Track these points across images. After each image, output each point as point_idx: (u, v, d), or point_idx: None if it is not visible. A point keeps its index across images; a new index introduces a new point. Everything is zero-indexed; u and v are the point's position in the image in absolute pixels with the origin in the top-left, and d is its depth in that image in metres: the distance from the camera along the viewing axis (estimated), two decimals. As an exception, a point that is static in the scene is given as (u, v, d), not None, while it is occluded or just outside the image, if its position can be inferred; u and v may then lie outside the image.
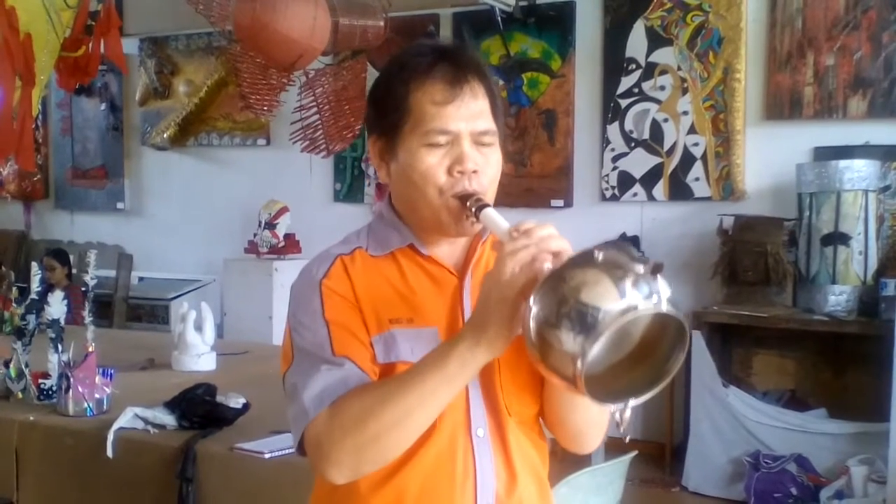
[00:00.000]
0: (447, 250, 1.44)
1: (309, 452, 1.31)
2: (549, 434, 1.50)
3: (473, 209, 1.33)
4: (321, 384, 1.30)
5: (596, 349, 1.09)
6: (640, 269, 1.11)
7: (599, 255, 1.12)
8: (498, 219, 1.30)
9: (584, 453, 1.52)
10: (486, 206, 1.33)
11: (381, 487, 1.34)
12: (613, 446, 2.03)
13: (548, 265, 1.18)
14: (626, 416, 1.17)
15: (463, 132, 1.36)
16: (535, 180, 5.89)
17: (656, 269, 1.11)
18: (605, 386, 1.15)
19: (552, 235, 1.21)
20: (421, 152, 1.36)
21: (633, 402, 1.17)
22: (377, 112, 1.43)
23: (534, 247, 1.19)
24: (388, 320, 1.37)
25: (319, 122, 5.52)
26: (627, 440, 1.21)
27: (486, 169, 1.38)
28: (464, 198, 1.35)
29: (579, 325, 1.09)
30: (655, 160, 5.57)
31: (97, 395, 2.87)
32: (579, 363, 1.09)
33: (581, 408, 1.40)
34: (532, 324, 1.14)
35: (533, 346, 1.15)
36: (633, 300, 1.09)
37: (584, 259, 1.14)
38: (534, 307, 1.14)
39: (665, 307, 1.11)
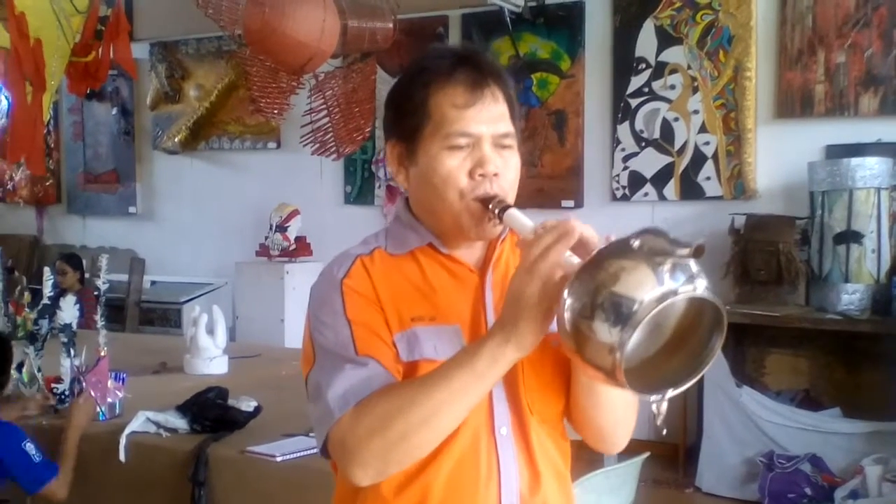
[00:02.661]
0: (466, 250, 1.44)
1: (333, 454, 1.30)
2: (574, 435, 1.48)
3: (496, 211, 1.33)
4: (345, 384, 1.28)
5: (634, 339, 1.07)
6: (682, 252, 1.08)
7: (635, 242, 1.10)
8: (523, 218, 1.31)
9: (613, 453, 1.52)
10: (509, 206, 1.34)
11: (405, 488, 1.33)
12: (627, 447, 2.01)
13: (577, 259, 1.17)
14: (664, 408, 1.16)
15: (484, 135, 1.36)
16: (545, 181, 5.88)
17: (698, 252, 1.08)
18: (641, 377, 1.13)
19: (575, 228, 1.18)
20: (442, 155, 1.36)
21: (671, 393, 1.15)
22: (396, 116, 1.43)
23: (563, 240, 1.18)
24: (410, 318, 1.36)
25: (329, 124, 5.52)
26: (664, 432, 1.19)
27: (507, 172, 1.38)
28: (486, 200, 1.35)
29: (616, 315, 1.08)
30: (666, 159, 5.55)
31: (110, 400, 2.89)
32: (618, 354, 1.08)
33: (608, 407, 1.39)
34: (567, 315, 1.12)
35: (569, 337, 1.13)
36: (669, 286, 1.08)
37: (618, 247, 1.12)
38: (569, 298, 1.12)
39: (701, 291, 1.10)
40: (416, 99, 1.38)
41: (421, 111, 1.37)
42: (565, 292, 1.13)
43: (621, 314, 1.07)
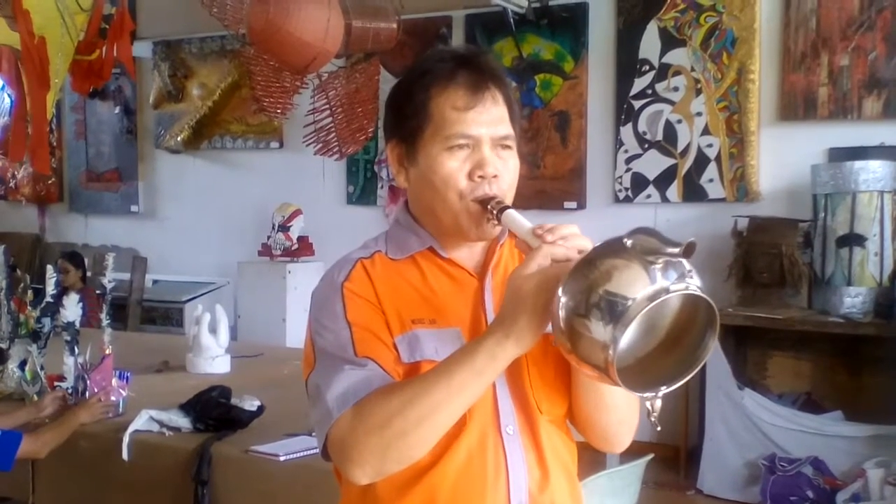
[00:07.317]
0: (466, 254, 1.45)
1: (333, 454, 1.31)
2: (577, 437, 1.49)
3: (495, 211, 1.35)
4: (344, 384, 1.29)
5: (626, 336, 1.09)
6: (673, 250, 1.10)
7: (628, 241, 1.12)
8: (520, 219, 1.32)
9: (616, 452, 1.53)
10: (508, 207, 1.35)
11: (412, 487, 1.34)
12: (629, 449, 2.02)
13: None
14: (658, 406, 1.17)
15: (484, 137, 1.38)
16: (547, 182, 5.88)
17: (689, 250, 1.10)
18: (636, 375, 1.15)
19: (576, 234, 1.24)
20: (442, 157, 1.38)
21: (665, 390, 1.17)
22: (397, 117, 1.44)
23: (561, 241, 1.22)
24: (411, 321, 1.37)
25: (332, 124, 5.52)
26: (658, 429, 1.21)
27: (506, 174, 1.40)
28: (484, 201, 1.36)
29: (608, 312, 1.09)
30: (669, 161, 5.55)
31: (113, 398, 2.88)
32: (610, 351, 1.09)
33: (609, 407, 1.40)
34: (562, 313, 1.14)
35: (563, 335, 1.15)
36: (661, 284, 1.09)
37: (611, 246, 1.14)
38: (563, 297, 1.14)
39: (693, 289, 1.11)
40: (416, 101, 1.40)
41: (422, 113, 1.39)
42: (559, 291, 1.14)
43: (614, 311, 1.09)
